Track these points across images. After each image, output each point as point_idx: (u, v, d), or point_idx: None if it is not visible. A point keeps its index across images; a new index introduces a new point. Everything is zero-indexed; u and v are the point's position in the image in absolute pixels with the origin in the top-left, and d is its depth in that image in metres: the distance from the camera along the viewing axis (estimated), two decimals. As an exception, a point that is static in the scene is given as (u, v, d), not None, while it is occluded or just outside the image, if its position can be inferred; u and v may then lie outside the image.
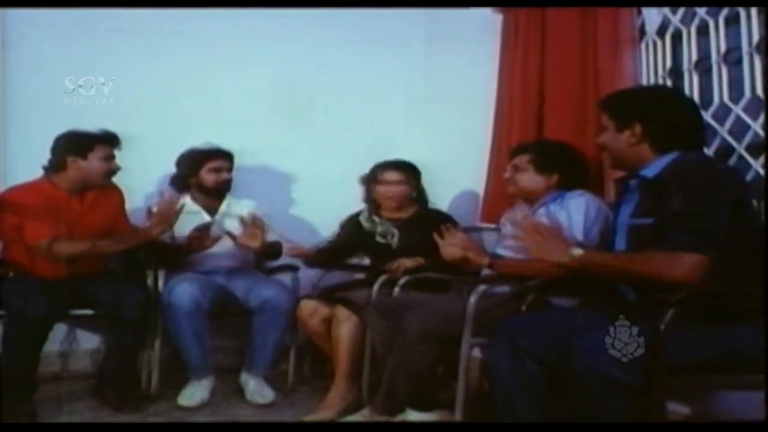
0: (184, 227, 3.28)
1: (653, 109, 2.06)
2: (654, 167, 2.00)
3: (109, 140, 3.09)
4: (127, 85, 3.42)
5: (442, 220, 3.07)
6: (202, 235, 3.24)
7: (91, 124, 3.09)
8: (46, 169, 3.07)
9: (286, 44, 3.86)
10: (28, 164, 3.09)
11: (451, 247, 2.71)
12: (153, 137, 3.42)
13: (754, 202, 2.01)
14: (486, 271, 2.67)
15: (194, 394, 3.06)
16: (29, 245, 2.95)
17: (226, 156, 3.45)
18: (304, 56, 3.88)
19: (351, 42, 3.92)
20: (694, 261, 1.79)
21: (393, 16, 3.85)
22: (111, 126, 3.11)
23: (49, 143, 3.10)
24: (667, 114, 2.05)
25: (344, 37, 3.90)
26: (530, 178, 2.73)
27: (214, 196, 3.45)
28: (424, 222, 3.19)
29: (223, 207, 3.47)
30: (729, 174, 1.88)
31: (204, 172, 3.40)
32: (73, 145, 3.05)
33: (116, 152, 3.12)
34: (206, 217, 3.40)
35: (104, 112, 3.24)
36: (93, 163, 3.05)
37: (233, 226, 3.34)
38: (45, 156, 3.09)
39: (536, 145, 2.91)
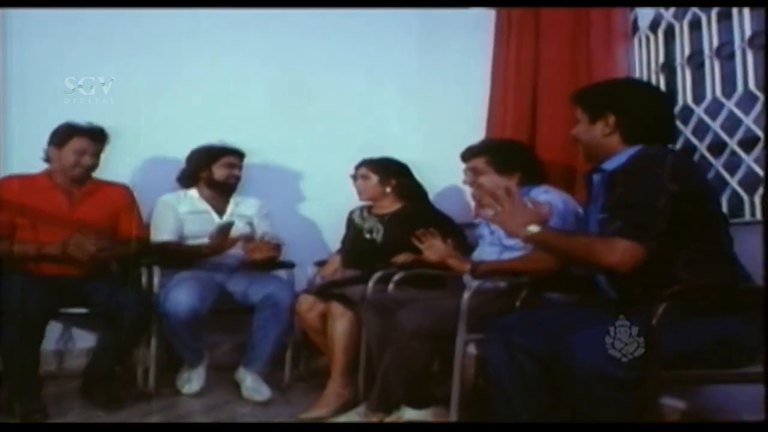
0: (191, 226, 3.31)
1: (627, 100, 2.08)
2: (616, 160, 2.02)
3: (89, 134, 3.08)
4: (127, 85, 3.42)
5: (429, 218, 3.16)
6: (223, 238, 3.22)
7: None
8: (43, 159, 3.10)
9: (282, 43, 3.86)
10: (28, 164, 3.09)
11: (430, 252, 2.77)
12: (152, 137, 3.42)
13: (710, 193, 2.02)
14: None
15: (193, 381, 3.15)
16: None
17: (238, 154, 3.45)
18: (299, 54, 3.88)
19: (345, 40, 3.92)
20: (627, 248, 1.81)
21: (386, 12, 3.85)
22: (111, 125, 3.11)
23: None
24: (640, 105, 2.06)
25: (338, 35, 3.90)
26: (492, 181, 2.73)
27: (222, 193, 3.42)
28: (409, 217, 3.21)
29: (231, 206, 3.45)
30: (676, 167, 1.88)
31: (217, 166, 3.38)
32: (55, 135, 3.07)
33: (106, 147, 3.12)
34: (214, 217, 3.39)
35: (105, 112, 3.24)
36: (64, 153, 3.05)
37: (240, 226, 3.35)
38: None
39: (489, 145, 2.93)
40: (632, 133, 2.03)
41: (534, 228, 1.96)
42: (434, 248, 2.79)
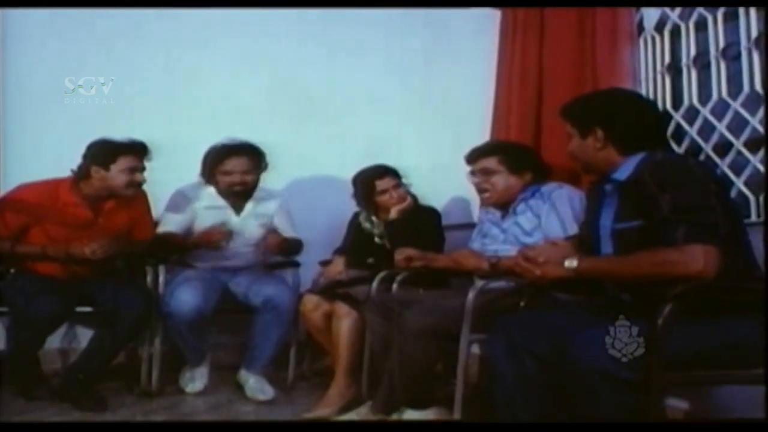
0: (208, 221, 3.28)
1: (611, 112, 2.07)
2: (624, 169, 2.00)
3: (135, 151, 3.04)
4: (126, 86, 3.43)
5: (428, 215, 3.26)
6: (219, 237, 3.20)
7: (91, 125, 3.10)
8: (74, 173, 3.05)
9: (285, 45, 3.86)
10: (28, 164, 3.10)
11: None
12: (152, 139, 3.40)
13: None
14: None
15: (196, 381, 3.15)
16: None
17: (246, 155, 3.30)
18: (302, 55, 3.88)
19: (349, 41, 3.92)
20: (707, 252, 1.75)
21: (391, 12, 3.85)
22: (109, 126, 3.09)
23: (48, 143, 3.12)
24: (624, 115, 2.05)
25: (342, 36, 3.90)
26: (505, 180, 2.73)
27: (235, 195, 3.35)
28: (415, 220, 3.23)
29: (249, 206, 3.38)
30: (704, 168, 1.90)
31: (218, 173, 3.29)
32: (98, 155, 3.01)
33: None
34: (232, 215, 3.35)
35: (105, 112, 3.25)
36: (114, 174, 3.00)
37: (256, 225, 3.35)
38: (45, 156, 3.10)
39: (499, 145, 2.92)
40: (624, 143, 2.03)
41: (572, 262, 1.93)
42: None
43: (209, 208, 3.32)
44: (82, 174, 3.03)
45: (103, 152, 3.01)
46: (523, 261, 2.01)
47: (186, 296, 3.06)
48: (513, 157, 2.74)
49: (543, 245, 2.08)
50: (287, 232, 3.43)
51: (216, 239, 3.20)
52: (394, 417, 2.59)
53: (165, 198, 3.39)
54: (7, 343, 2.87)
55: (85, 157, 3.04)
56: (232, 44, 3.77)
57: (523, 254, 2.03)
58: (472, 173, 2.82)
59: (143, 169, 3.08)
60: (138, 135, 3.12)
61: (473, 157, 2.82)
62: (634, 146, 2.02)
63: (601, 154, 2.06)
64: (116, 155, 3.00)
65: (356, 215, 3.46)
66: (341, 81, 3.92)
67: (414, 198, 3.35)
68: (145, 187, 3.13)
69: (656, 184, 1.85)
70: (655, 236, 1.84)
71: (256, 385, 3.14)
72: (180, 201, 3.33)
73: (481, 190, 2.80)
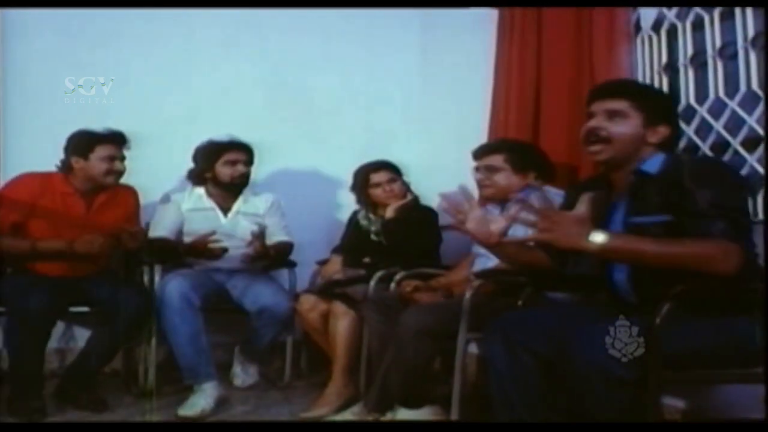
0: (195, 224, 3.28)
1: (676, 114, 2.08)
2: (653, 163, 1.94)
3: (113, 140, 3.05)
4: (126, 85, 3.42)
5: (425, 214, 3.25)
6: (210, 244, 3.17)
7: (91, 124, 3.07)
8: (59, 168, 3.06)
9: (283, 44, 3.86)
10: (28, 164, 3.08)
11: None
12: (152, 136, 3.39)
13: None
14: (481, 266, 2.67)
15: (195, 402, 2.88)
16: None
17: (244, 149, 3.33)
18: (300, 55, 3.88)
19: (347, 40, 3.92)
20: (739, 252, 1.74)
21: (389, 13, 3.85)
22: (110, 125, 3.08)
23: (48, 143, 3.10)
24: (678, 120, 2.10)
25: (340, 36, 3.90)
26: (507, 178, 2.72)
27: (229, 191, 3.35)
28: (412, 219, 3.24)
29: (238, 204, 3.37)
30: (738, 173, 1.93)
31: (219, 165, 3.29)
32: (76, 145, 3.03)
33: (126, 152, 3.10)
34: (219, 215, 3.34)
35: (105, 112, 3.23)
36: (93, 163, 3.01)
37: (244, 225, 3.33)
38: (44, 155, 3.07)
39: (506, 144, 2.91)
40: (670, 143, 1.99)
41: (599, 236, 1.75)
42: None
43: (196, 210, 3.33)
44: (65, 167, 3.05)
45: (81, 142, 3.02)
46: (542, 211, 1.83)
47: (174, 284, 3.04)
48: (519, 157, 2.74)
49: (562, 212, 1.90)
50: (276, 233, 3.40)
51: (207, 245, 3.15)
52: (388, 416, 2.59)
53: (158, 190, 3.43)
54: (4, 345, 2.86)
55: (65, 150, 3.05)
56: (232, 45, 3.77)
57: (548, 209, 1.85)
58: (477, 169, 2.81)
59: (123, 158, 3.08)
60: (137, 135, 3.12)
61: (480, 153, 2.81)
62: (667, 147, 1.99)
63: (646, 148, 1.96)
64: (94, 144, 3.01)
65: (355, 213, 3.47)
66: (339, 80, 3.92)
67: (415, 197, 3.35)
68: (144, 181, 3.13)
69: (693, 180, 1.81)
70: (681, 232, 1.80)
71: (237, 370, 3.27)
72: (168, 204, 3.35)
73: (482, 186, 2.79)
